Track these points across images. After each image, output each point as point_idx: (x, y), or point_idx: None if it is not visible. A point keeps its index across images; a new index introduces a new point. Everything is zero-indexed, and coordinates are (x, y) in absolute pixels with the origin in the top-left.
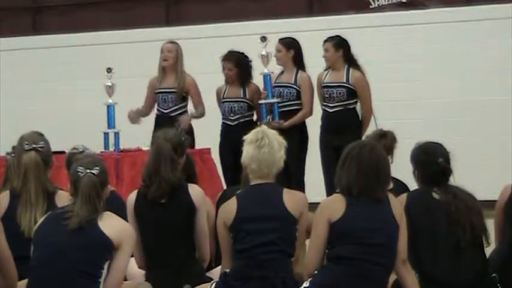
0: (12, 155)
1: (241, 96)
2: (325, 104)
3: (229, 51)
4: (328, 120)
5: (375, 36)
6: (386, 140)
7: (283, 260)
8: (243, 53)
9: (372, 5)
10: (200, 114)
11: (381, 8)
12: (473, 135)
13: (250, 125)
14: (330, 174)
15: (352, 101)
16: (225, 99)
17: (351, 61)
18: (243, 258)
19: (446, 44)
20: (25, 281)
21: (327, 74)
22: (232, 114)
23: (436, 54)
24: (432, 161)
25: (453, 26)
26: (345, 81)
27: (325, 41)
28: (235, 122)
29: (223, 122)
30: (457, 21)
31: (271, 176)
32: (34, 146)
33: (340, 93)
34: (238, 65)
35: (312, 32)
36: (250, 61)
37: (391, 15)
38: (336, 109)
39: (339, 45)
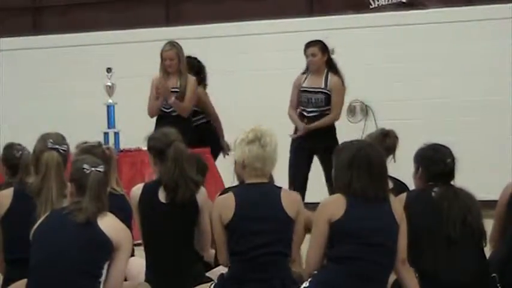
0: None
1: None
2: (302, 108)
3: None
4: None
5: (375, 36)
6: (390, 139)
7: (281, 261)
8: None
9: (372, 5)
10: (182, 107)
11: (380, 8)
12: (473, 135)
13: None
14: (297, 176)
15: (329, 107)
16: None
17: (330, 66)
18: (241, 261)
19: (446, 44)
20: (25, 280)
21: (306, 77)
22: None
23: (436, 54)
24: (441, 159)
25: (453, 26)
26: (323, 86)
27: (309, 45)
28: None
29: None
30: (457, 21)
31: (268, 175)
32: (57, 147)
33: (318, 99)
34: None
35: (312, 32)
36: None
37: (391, 15)
38: (312, 114)
39: (325, 49)
